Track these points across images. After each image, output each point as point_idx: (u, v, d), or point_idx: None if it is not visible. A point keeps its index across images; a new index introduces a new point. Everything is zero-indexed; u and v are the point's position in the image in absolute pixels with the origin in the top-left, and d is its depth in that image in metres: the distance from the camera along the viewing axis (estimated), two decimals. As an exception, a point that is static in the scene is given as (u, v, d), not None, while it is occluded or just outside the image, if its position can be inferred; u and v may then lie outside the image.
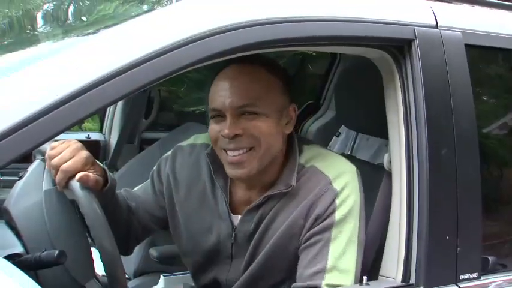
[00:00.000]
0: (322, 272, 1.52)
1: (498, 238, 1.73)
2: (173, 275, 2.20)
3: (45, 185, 1.51)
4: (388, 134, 1.61)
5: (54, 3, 1.87)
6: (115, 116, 2.82)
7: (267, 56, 1.63)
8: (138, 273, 2.33)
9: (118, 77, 1.21)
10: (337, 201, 1.55)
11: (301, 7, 1.47)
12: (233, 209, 1.64)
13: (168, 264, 2.25)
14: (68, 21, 1.72)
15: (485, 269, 1.61)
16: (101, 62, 1.23)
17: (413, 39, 1.54)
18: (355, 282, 1.54)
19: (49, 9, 1.85)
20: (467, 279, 1.56)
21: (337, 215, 1.54)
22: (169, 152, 1.76)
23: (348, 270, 1.53)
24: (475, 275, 1.57)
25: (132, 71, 1.22)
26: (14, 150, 1.12)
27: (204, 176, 1.66)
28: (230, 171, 1.57)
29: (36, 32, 1.70)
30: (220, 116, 1.55)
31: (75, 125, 1.37)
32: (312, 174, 1.59)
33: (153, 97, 2.89)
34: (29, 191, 1.50)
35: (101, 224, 1.43)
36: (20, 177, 1.55)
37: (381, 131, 2.23)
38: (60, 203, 1.52)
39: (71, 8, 1.81)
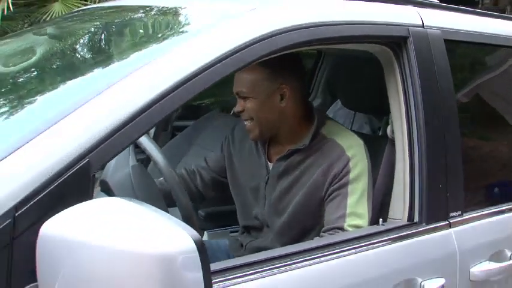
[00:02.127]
0: (343, 216, 1.62)
1: (474, 185, 1.80)
2: (214, 230, 2.26)
3: (131, 161, 1.56)
4: (391, 111, 1.64)
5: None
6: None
7: None
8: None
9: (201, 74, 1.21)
10: (351, 165, 1.65)
11: (330, 14, 1.50)
12: (269, 159, 1.79)
13: (212, 221, 2.29)
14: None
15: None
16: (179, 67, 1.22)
17: (408, 37, 1.58)
18: (369, 224, 1.61)
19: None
20: (454, 216, 1.62)
21: (351, 175, 1.64)
22: (234, 122, 1.97)
23: (363, 214, 1.62)
24: (459, 213, 1.64)
25: (207, 71, 1.22)
26: (126, 141, 1.14)
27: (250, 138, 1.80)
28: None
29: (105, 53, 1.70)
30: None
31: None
32: (331, 144, 1.69)
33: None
34: (120, 166, 1.54)
35: (179, 186, 1.50)
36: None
37: (364, 108, 2.31)
38: (143, 174, 1.58)
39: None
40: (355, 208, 1.63)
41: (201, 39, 1.29)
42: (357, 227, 1.61)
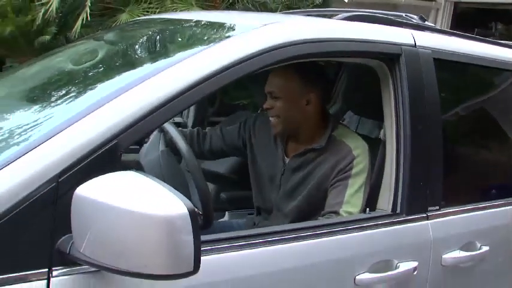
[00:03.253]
0: (340, 203, 1.70)
1: (453, 185, 1.83)
2: (234, 211, 2.36)
3: (161, 147, 1.68)
4: (384, 117, 1.69)
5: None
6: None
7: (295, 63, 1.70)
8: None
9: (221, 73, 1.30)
10: (354, 163, 1.73)
11: (335, 31, 1.60)
12: (286, 154, 1.87)
13: (233, 203, 2.38)
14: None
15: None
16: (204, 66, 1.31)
17: (401, 54, 1.64)
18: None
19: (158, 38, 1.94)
20: (432, 210, 1.67)
21: (353, 171, 1.73)
22: (255, 114, 2.06)
23: (357, 205, 1.70)
24: (437, 207, 1.68)
25: (230, 69, 1.30)
26: (148, 129, 1.25)
27: (272, 132, 1.88)
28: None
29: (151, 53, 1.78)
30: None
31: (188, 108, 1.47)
32: (341, 145, 1.78)
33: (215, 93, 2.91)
34: (151, 150, 1.68)
35: (198, 171, 1.56)
36: (145, 142, 1.74)
37: (372, 114, 2.36)
38: (169, 158, 1.69)
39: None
40: (351, 198, 1.70)
41: (212, 50, 1.38)
42: (350, 213, 1.68)
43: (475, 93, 2.01)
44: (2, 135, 1.28)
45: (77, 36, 4.75)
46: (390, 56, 1.65)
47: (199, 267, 1.03)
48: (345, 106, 2.88)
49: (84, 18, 4.70)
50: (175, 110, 1.27)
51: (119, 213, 1.02)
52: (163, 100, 1.23)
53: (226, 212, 2.31)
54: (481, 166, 2.01)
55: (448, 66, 1.82)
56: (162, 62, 1.44)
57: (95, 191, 1.06)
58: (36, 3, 4.82)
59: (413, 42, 1.70)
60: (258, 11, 5.16)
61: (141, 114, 1.20)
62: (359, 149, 1.76)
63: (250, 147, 1.98)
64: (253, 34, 1.44)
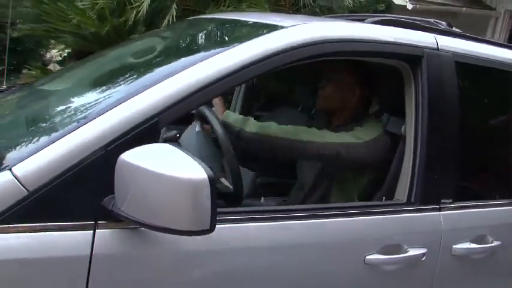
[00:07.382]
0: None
1: (467, 181, 1.83)
2: (270, 197, 2.36)
3: (197, 128, 1.78)
4: (405, 113, 1.71)
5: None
6: (238, 100, 2.75)
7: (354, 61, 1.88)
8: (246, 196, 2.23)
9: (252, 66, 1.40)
10: (355, 129, 1.84)
11: (363, 33, 1.64)
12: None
13: (268, 190, 2.40)
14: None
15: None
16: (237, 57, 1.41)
17: (423, 56, 1.65)
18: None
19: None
20: (444, 202, 1.67)
21: (352, 131, 1.83)
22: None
23: (335, 139, 1.80)
24: (450, 200, 1.68)
25: (265, 61, 1.40)
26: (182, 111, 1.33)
27: (317, 107, 2.11)
28: None
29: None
30: None
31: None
32: (360, 124, 1.89)
33: (260, 89, 2.85)
34: (190, 133, 1.78)
35: (230, 152, 1.62)
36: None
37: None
38: (205, 139, 1.76)
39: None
40: (339, 137, 1.81)
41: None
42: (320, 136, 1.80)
43: (493, 95, 1.96)
44: (68, 111, 1.48)
45: (161, 35, 5.06)
46: (413, 58, 1.67)
47: (215, 227, 1.12)
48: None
49: (170, 20, 5.00)
50: (209, 95, 1.37)
51: (153, 176, 1.12)
52: (198, 86, 1.33)
53: (262, 197, 2.37)
54: (496, 165, 1.97)
55: (468, 69, 1.81)
56: (201, 55, 1.51)
57: (135, 157, 1.16)
58: (129, 7, 5.19)
59: (436, 46, 1.71)
60: (324, 15, 5.20)
61: (179, 98, 1.30)
62: (368, 128, 1.84)
63: None
64: (280, 33, 1.52)
